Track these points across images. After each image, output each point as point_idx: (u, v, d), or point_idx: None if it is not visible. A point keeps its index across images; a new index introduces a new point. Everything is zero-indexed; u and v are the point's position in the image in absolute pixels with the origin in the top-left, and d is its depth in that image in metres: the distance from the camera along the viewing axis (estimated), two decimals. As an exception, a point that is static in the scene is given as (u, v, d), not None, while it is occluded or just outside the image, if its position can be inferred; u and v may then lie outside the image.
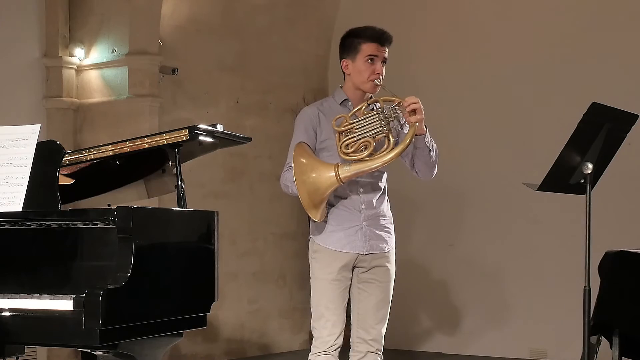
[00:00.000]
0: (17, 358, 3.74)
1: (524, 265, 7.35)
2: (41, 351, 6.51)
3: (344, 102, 3.88)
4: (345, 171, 3.59)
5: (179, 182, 3.72)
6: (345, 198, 3.80)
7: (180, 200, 3.71)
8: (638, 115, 4.23)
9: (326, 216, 3.77)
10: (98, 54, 6.86)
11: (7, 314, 3.15)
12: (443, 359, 7.58)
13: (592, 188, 4.02)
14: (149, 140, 3.67)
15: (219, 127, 3.84)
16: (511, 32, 7.51)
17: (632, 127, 4.19)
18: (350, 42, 3.85)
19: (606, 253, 4.40)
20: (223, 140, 3.95)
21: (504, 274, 7.45)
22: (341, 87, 3.93)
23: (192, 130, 3.64)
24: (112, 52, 6.80)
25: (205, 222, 3.54)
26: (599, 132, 3.99)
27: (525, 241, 7.36)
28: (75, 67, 6.89)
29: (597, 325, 4.23)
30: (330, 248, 3.79)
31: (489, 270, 7.53)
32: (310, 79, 8.29)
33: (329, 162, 3.66)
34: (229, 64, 7.58)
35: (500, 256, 7.48)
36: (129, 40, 6.72)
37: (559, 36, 7.29)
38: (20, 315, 3.14)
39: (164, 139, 3.65)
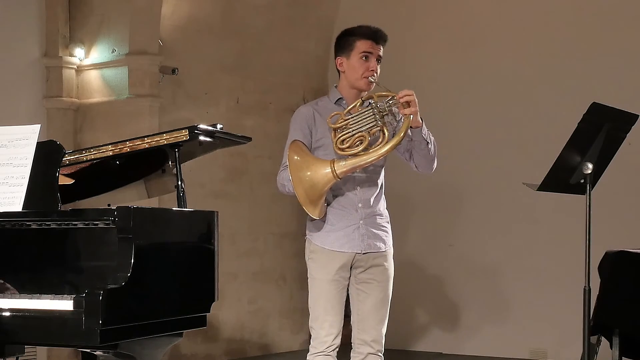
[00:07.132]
0: (17, 358, 3.75)
1: (524, 265, 7.35)
2: (41, 351, 6.51)
3: (338, 101, 3.88)
4: (341, 166, 3.58)
5: (179, 182, 3.72)
6: (342, 197, 3.78)
7: (180, 200, 3.71)
8: (638, 115, 4.23)
9: (325, 215, 3.75)
10: (98, 54, 6.86)
11: (7, 314, 3.14)
12: (443, 359, 7.58)
13: (592, 188, 4.02)
14: (149, 140, 3.67)
15: (219, 127, 3.84)
16: (511, 32, 7.51)
17: (632, 127, 4.19)
18: (345, 40, 3.86)
19: (606, 253, 4.40)
20: (223, 140, 3.95)
21: (504, 274, 7.45)
22: (336, 86, 3.94)
23: (192, 130, 3.64)
24: (112, 52, 6.80)
25: (205, 222, 3.54)
26: (599, 132, 3.99)
27: (525, 241, 7.35)
28: (75, 67, 6.90)
29: (597, 325, 4.23)
30: (327, 248, 3.78)
31: (489, 270, 7.52)
32: (310, 79, 8.28)
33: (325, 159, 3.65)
34: (229, 64, 7.57)
35: (500, 256, 7.47)
36: (129, 40, 6.72)
37: (559, 35, 7.28)
38: (20, 315, 3.14)
39: (164, 139, 3.66)
